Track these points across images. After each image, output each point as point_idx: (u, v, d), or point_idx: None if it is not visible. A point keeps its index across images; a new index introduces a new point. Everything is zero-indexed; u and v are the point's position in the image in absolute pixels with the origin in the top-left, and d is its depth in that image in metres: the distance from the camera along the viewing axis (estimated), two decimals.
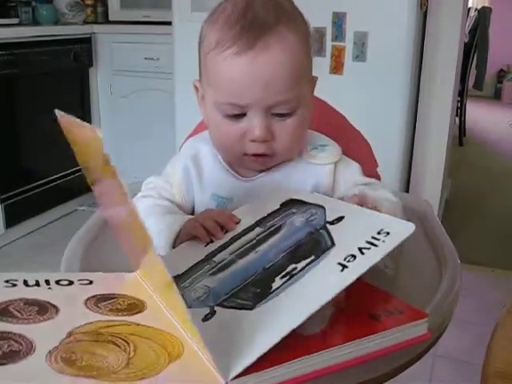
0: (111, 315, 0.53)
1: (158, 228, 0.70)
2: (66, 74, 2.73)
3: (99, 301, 0.56)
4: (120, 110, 2.89)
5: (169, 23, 2.43)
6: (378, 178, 0.94)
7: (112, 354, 0.46)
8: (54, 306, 0.54)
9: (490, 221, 2.92)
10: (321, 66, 2.05)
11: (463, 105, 4.46)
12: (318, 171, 0.77)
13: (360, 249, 0.51)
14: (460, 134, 4.46)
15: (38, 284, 0.59)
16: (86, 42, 2.79)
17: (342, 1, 2.10)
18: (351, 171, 0.79)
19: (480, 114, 5.57)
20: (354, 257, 0.50)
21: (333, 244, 0.54)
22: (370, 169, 0.91)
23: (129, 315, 0.53)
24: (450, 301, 0.60)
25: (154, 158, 2.34)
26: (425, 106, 2.32)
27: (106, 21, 2.98)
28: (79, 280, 0.61)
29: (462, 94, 4.22)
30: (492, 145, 4.56)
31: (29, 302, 0.54)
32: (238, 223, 0.66)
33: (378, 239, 0.51)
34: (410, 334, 0.49)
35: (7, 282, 0.58)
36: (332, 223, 0.58)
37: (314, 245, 0.56)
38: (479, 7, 4.72)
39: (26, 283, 0.58)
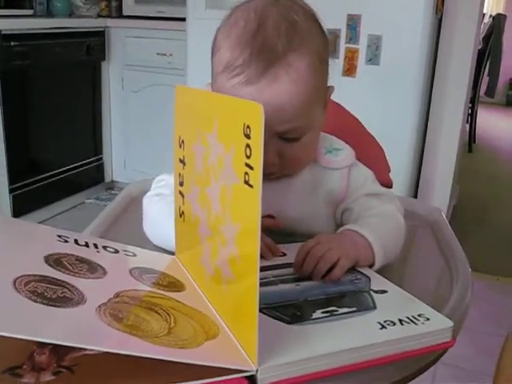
0: (153, 288, 0.55)
1: None
2: (79, 67, 2.74)
3: (142, 272, 0.58)
4: (131, 105, 2.90)
5: (183, 19, 2.44)
6: (389, 182, 0.94)
7: (154, 321, 0.48)
8: (102, 268, 0.56)
9: (496, 228, 2.91)
10: (334, 67, 2.02)
11: (474, 111, 4.45)
12: (332, 175, 0.77)
13: (400, 320, 0.52)
14: (470, 141, 4.44)
15: (87, 245, 0.61)
16: (100, 35, 2.80)
17: (357, 3, 2.09)
18: (364, 178, 0.78)
19: (491, 121, 5.55)
20: (394, 323, 0.51)
21: (375, 307, 0.55)
22: (382, 173, 0.91)
23: (169, 291, 0.55)
24: (460, 311, 0.60)
25: (163, 154, 2.35)
26: (436, 111, 2.31)
27: (120, 15, 2.99)
28: (124, 250, 0.64)
29: (473, 101, 4.20)
30: (501, 152, 4.54)
31: (79, 259, 0.56)
32: (282, 255, 0.67)
33: (418, 320, 0.52)
34: (436, 340, 0.51)
35: (60, 237, 0.61)
36: (376, 292, 0.59)
37: (357, 300, 0.57)
38: (494, 14, 4.70)
39: (76, 242, 0.61)
